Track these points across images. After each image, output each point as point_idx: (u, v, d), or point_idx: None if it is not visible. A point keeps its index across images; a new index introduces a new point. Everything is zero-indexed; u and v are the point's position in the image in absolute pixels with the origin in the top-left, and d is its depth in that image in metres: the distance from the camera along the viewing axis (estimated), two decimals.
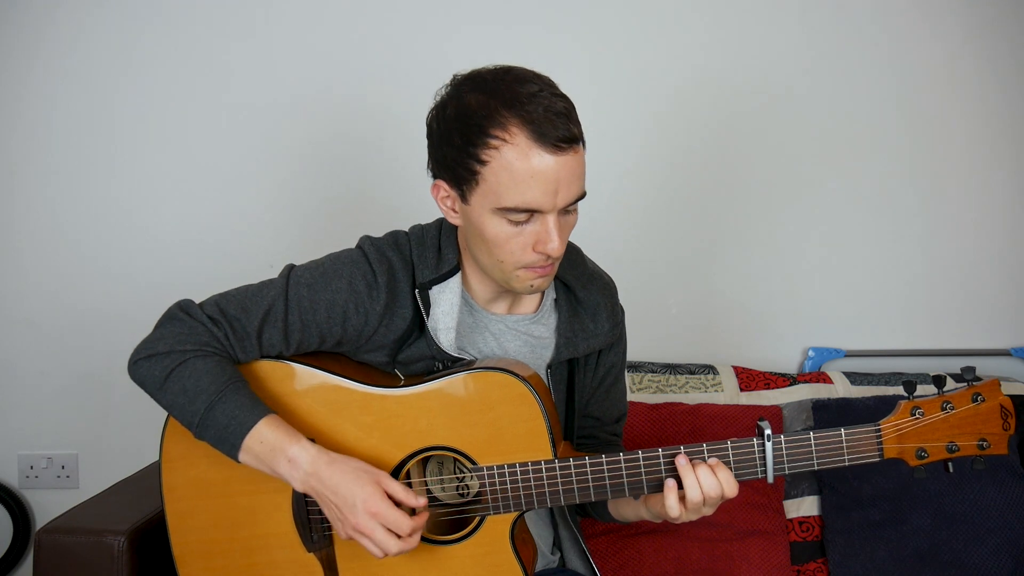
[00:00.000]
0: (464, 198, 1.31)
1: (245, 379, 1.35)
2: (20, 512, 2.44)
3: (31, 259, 2.39)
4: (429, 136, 1.34)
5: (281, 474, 1.30)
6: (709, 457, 1.30)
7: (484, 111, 1.25)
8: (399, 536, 1.27)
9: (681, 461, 1.29)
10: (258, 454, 1.30)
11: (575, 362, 1.50)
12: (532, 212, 1.27)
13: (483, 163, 1.26)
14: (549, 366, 1.47)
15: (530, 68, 1.31)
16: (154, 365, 1.33)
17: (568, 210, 1.31)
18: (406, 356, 1.41)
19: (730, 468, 1.30)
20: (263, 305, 1.36)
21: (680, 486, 1.29)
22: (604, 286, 1.52)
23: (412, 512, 1.32)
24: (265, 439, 1.30)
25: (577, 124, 1.28)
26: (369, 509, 1.26)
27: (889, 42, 2.31)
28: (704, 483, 1.28)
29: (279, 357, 1.39)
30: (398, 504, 1.29)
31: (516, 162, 1.24)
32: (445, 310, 1.40)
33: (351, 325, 1.38)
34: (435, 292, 1.40)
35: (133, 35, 2.32)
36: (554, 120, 1.24)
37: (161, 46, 2.33)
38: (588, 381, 1.53)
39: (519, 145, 1.24)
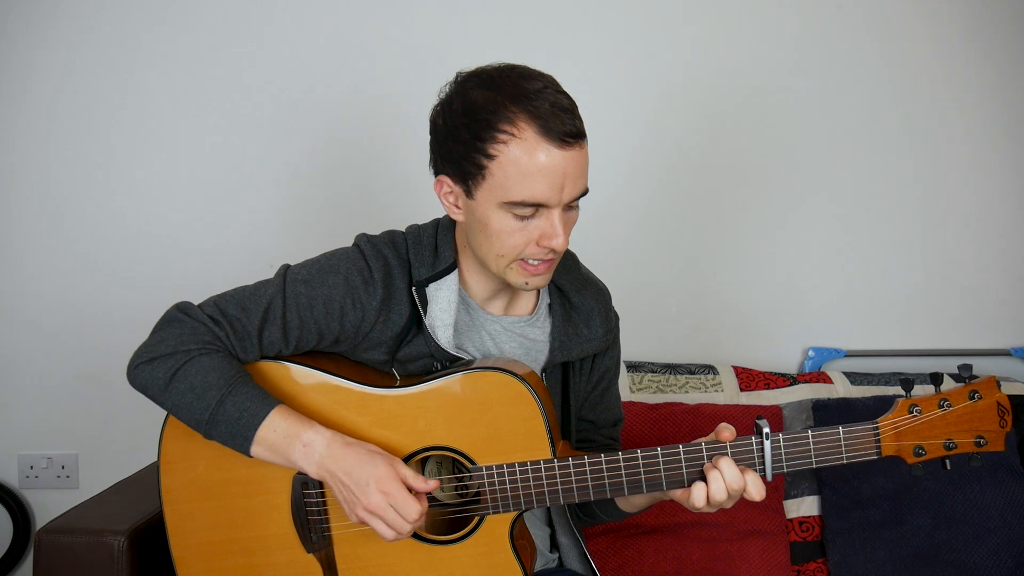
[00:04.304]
0: (469, 193, 1.31)
1: (250, 373, 1.35)
2: (20, 512, 2.44)
3: (31, 259, 2.39)
4: (433, 132, 1.34)
5: (295, 460, 1.31)
6: (709, 458, 1.30)
7: (491, 106, 1.26)
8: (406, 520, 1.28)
9: (708, 466, 1.29)
10: (272, 443, 1.30)
11: (569, 366, 1.50)
12: (538, 207, 1.28)
13: (491, 158, 1.27)
14: (544, 370, 1.47)
15: (536, 67, 1.32)
16: (157, 367, 1.32)
17: (571, 206, 1.32)
18: (405, 354, 1.41)
19: None
20: (262, 304, 1.36)
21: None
22: (598, 292, 1.53)
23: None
24: (279, 427, 1.30)
25: (581, 120, 1.29)
26: (382, 488, 1.27)
27: (888, 41, 2.32)
28: (729, 479, 1.28)
29: (278, 357, 1.39)
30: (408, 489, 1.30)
31: (524, 157, 1.25)
32: (442, 307, 1.40)
33: (348, 321, 1.38)
34: (432, 289, 1.40)
35: (134, 36, 2.33)
36: (560, 115, 1.25)
37: (162, 47, 2.33)
38: (583, 385, 1.53)
39: (527, 140, 1.25)
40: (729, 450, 1.30)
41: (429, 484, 1.31)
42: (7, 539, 2.46)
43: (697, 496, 1.29)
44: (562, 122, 1.25)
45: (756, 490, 1.29)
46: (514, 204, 1.28)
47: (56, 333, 2.40)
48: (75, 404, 2.42)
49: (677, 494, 1.33)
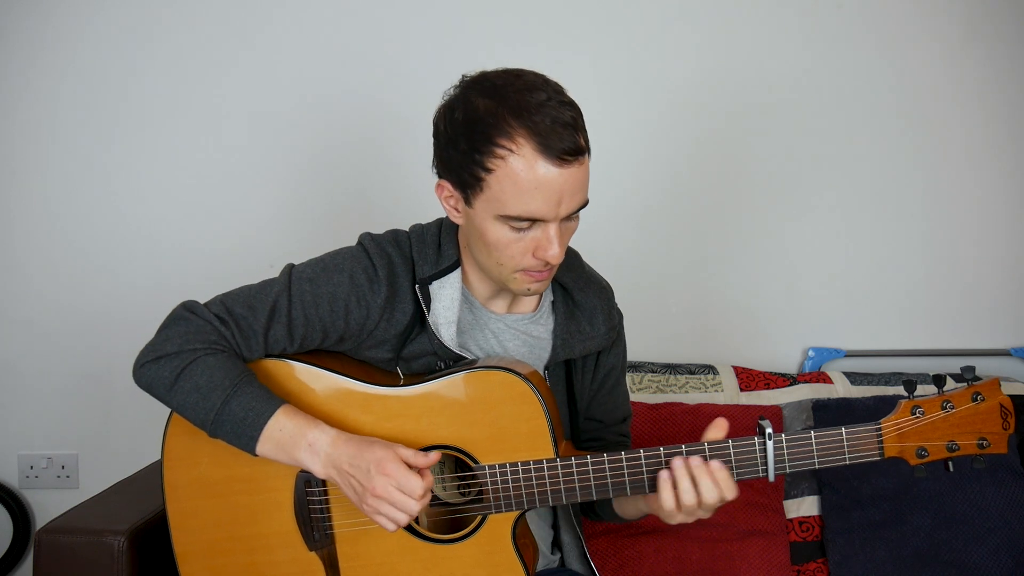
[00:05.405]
0: (467, 201, 1.31)
1: (254, 373, 1.35)
2: (20, 512, 2.44)
3: (31, 259, 2.39)
4: (435, 136, 1.34)
5: (301, 459, 1.31)
6: (711, 457, 1.30)
7: (491, 118, 1.25)
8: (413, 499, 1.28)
9: (677, 463, 1.28)
10: (278, 442, 1.31)
11: (572, 364, 1.51)
12: (534, 220, 1.28)
13: (488, 171, 1.26)
14: (547, 367, 1.47)
15: (538, 71, 1.31)
16: (163, 367, 1.33)
17: (569, 217, 1.32)
18: (409, 352, 1.42)
19: (731, 467, 1.30)
20: (268, 303, 1.36)
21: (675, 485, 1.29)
22: (601, 289, 1.53)
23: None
24: (284, 427, 1.31)
25: (583, 133, 1.28)
26: (383, 470, 1.27)
27: (889, 43, 2.32)
28: (702, 488, 1.27)
29: (282, 355, 1.39)
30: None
31: (521, 172, 1.25)
32: (446, 304, 1.40)
33: (353, 319, 1.38)
34: (435, 287, 1.41)
35: (135, 36, 2.33)
36: (560, 132, 1.24)
37: (163, 48, 2.33)
38: (587, 383, 1.53)
39: (525, 156, 1.24)
40: (732, 449, 1.30)
41: (430, 457, 1.30)
42: (7, 539, 2.45)
43: (666, 500, 1.28)
44: (561, 139, 1.24)
45: (729, 489, 1.28)
46: (510, 218, 1.28)
47: (56, 333, 2.40)
48: (75, 404, 2.42)
49: (653, 506, 1.34)
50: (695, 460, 1.28)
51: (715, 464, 1.28)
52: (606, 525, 1.98)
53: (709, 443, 1.30)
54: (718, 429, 1.32)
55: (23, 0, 2.31)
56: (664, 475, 1.29)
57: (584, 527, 1.68)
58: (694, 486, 1.27)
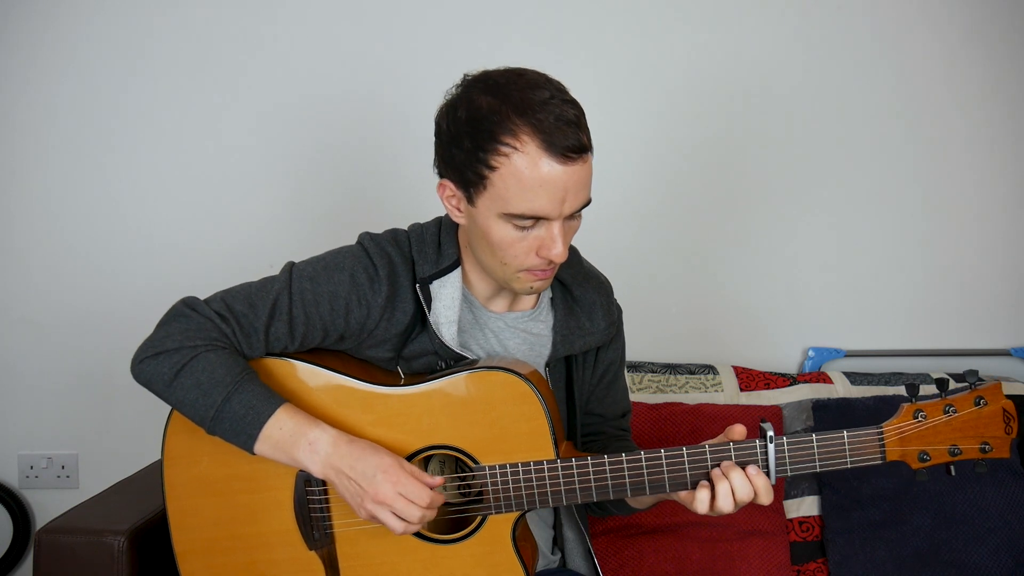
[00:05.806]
0: (470, 200, 1.31)
1: (255, 371, 1.35)
2: (20, 512, 2.44)
3: (31, 259, 2.39)
4: (437, 135, 1.34)
5: (300, 459, 1.31)
6: (712, 459, 1.30)
7: (495, 116, 1.25)
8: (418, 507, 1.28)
9: (716, 473, 1.29)
10: (277, 441, 1.30)
11: (573, 360, 1.51)
12: (538, 219, 1.28)
13: (492, 169, 1.26)
14: (547, 364, 1.47)
15: (540, 70, 1.31)
16: (162, 362, 1.32)
17: (572, 216, 1.32)
18: (409, 351, 1.42)
19: None
20: (268, 300, 1.36)
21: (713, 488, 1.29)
22: (600, 285, 1.54)
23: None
24: (285, 425, 1.31)
25: (586, 132, 1.28)
26: (389, 477, 1.28)
27: (889, 43, 2.32)
28: (737, 490, 1.28)
29: (283, 354, 1.39)
30: None
31: (525, 170, 1.25)
32: (446, 304, 1.40)
33: (353, 318, 1.38)
34: (435, 287, 1.41)
35: (136, 36, 2.32)
36: (564, 129, 1.24)
37: (163, 48, 2.33)
38: (587, 379, 1.53)
39: (529, 153, 1.24)
40: (733, 452, 1.30)
41: (434, 480, 1.31)
42: (7, 539, 2.45)
43: (700, 501, 1.29)
44: (565, 136, 1.24)
45: (766, 496, 1.29)
46: (514, 216, 1.28)
47: (56, 333, 2.40)
48: (75, 404, 2.42)
49: (681, 495, 1.33)
50: (730, 465, 1.29)
51: (752, 469, 1.28)
52: (605, 524, 1.98)
53: (710, 445, 1.30)
54: (736, 435, 1.32)
55: (23, 1, 2.31)
56: (703, 482, 1.30)
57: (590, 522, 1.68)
58: (731, 492, 1.28)
